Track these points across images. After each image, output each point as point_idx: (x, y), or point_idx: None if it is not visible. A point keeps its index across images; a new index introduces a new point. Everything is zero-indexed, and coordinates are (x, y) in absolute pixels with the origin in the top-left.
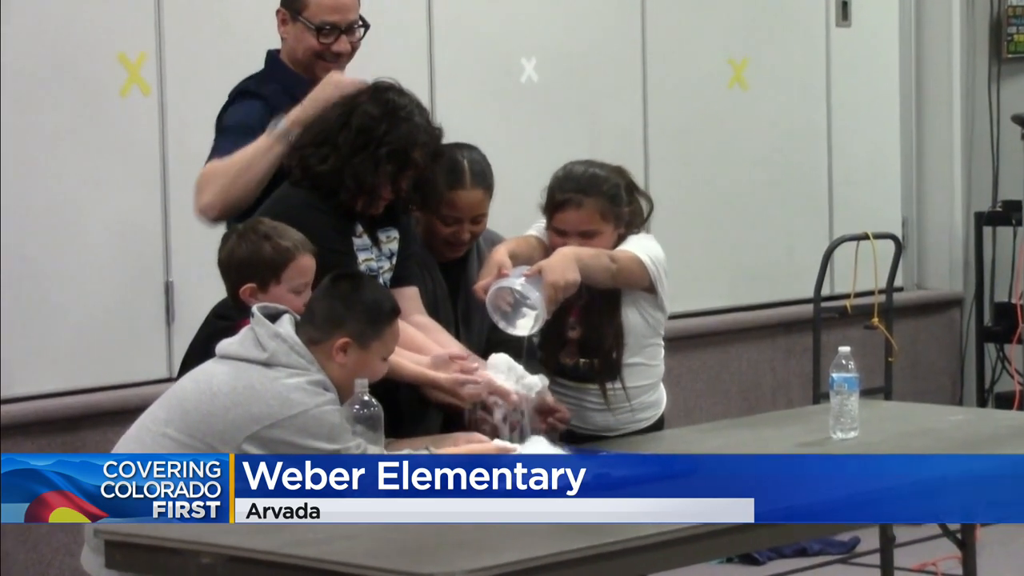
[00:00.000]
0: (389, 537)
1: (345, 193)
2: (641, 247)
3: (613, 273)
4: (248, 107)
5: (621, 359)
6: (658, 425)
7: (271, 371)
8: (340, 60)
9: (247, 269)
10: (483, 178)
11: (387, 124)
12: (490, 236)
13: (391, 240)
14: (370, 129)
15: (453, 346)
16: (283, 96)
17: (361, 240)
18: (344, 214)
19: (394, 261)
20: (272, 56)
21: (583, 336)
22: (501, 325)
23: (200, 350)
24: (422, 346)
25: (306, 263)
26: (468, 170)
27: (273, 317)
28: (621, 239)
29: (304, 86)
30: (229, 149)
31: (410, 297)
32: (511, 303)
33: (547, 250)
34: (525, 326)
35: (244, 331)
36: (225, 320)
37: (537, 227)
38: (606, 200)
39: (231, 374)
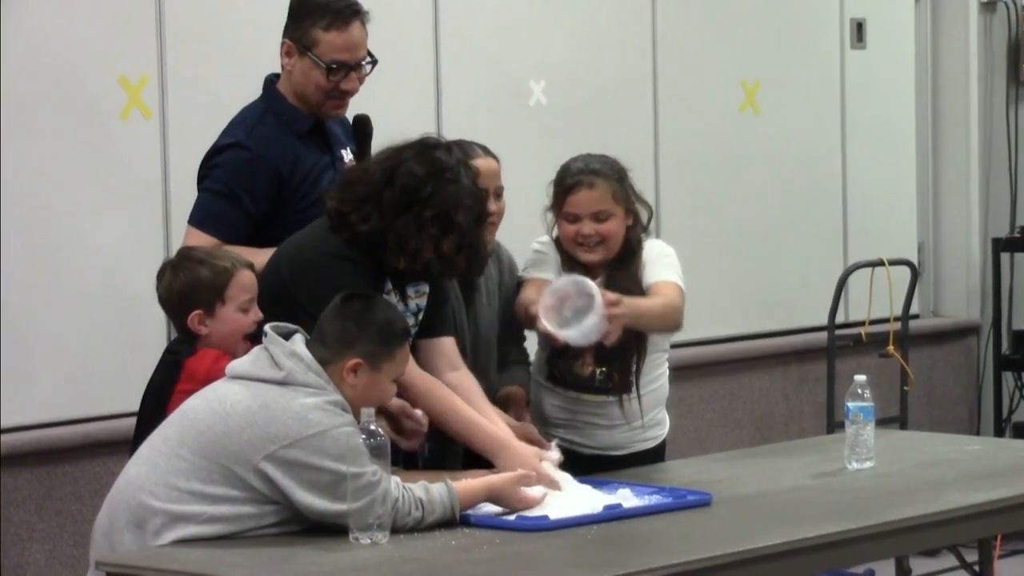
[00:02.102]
0: (397, 571)
1: (387, 253)
2: (671, 269)
3: (671, 325)
4: (234, 163)
5: (642, 366)
6: (660, 449)
7: (288, 390)
8: (347, 97)
9: (189, 297)
10: (489, 151)
11: (433, 185)
12: (500, 253)
13: (420, 295)
14: (415, 189)
15: (488, 411)
16: (271, 144)
17: (388, 297)
18: (376, 268)
19: (420, 317)
20: (269, 84)
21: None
22: (552, 329)
23: (156, 388)
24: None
25: (246, 278)
26: (474, 144)
27: (285, 336)
28: (630, 232)
29: (300, 120)
30: (212, 214)
31: (443, 350)
32: (570, 303)
33: None
34: (582, 330)
35: (256, 350)
36: (174, 355)
37: (541, 241)
38: (616, 181)
39: (245, 394)
